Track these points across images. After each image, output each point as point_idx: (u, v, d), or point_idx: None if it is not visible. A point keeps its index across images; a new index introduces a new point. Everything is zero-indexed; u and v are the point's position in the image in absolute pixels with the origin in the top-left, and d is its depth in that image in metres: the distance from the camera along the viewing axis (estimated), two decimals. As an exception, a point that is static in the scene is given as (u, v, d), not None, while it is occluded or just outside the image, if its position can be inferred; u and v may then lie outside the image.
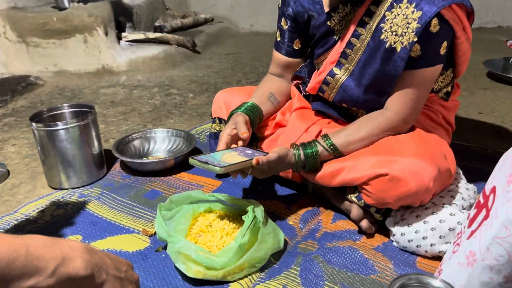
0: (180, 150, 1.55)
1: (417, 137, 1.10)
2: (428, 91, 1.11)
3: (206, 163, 0.99)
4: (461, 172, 1.19)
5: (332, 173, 1.11)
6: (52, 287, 0.53)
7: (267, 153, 1.08)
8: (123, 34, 2.76)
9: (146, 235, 1.15)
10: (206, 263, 0.95)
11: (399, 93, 1.08)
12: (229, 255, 0.95)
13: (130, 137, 1.58)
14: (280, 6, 1.28)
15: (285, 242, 1.09)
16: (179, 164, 1.48)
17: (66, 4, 2.60)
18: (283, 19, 1.28)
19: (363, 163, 1.06)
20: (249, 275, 0.99)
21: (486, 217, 0.81)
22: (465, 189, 1.12)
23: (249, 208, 1.04)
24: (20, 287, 0.50)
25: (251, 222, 1.00)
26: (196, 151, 1.57)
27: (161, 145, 1.60)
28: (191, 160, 1.01)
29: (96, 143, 1.42)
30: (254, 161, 1.03)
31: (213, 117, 1.42)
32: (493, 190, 0.83)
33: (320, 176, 1.13)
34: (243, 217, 1.03)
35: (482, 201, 0.86)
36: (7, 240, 0.51)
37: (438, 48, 1.04)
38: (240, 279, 0.98)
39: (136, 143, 1.58)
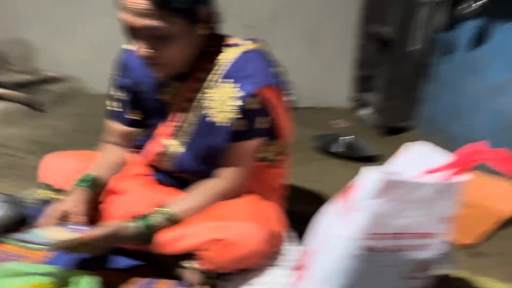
0: (5, 217, 1.41)
1: (249, 202, 1.22)
2: (254, 161, 1.24)
3: (26, 242, 0.94)
4: (293, 235, 1.32)
5: (171, 241, 1.14)
6: None
7: (96, 227, 1.07)
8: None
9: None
10: None
11: (228, 163, 1.20)
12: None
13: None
14: (114, 76, 1.31)
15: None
16: (7, 231, 1.34)
17: None
18: (118, 90, 1.31)
19: (200, 230, 1.12)
20: None
21: (306, 274, 0.92)
22: (290, 250, 1.25)
23: (81, 282, 1.00)
24: None
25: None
26: (23, 219, 1.45)
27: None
28: (8, 241, 0.95)
29: None
30: (81, 238, 1.01)
31: (39, 183, 1.35)
32: (310, 250, 0.96)
33: (159, 245, 1.15)
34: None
35: (302, 260, 0.98)
36: None
37: (256, 123, 1.18)
38: None
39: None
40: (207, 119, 1.16)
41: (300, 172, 2.20)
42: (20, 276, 1.06)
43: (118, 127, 1.32)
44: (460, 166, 0.86)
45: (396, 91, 2.98)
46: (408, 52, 2.81)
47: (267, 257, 1.18)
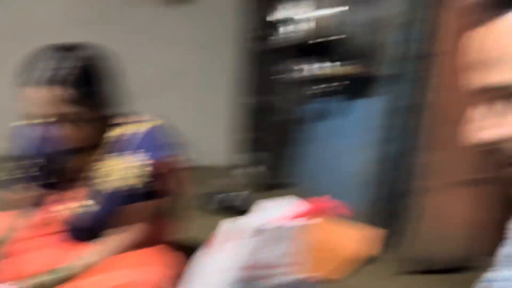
0: None
1: (142, 252, 1.37)
2: (148, 218, 1.41)
3: None
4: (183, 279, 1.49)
5: None
6: None
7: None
8: None
9: None
10: None
11: (126, 221, 1.37)
12: None
13: None
14: (10, 148, 1.40)
15: None
16: None
17: None
18: (16, 158, 1.39)
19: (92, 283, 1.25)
20: None
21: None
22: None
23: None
24: None
25: None
26: None
27: None
28: None
29: None
30: None
31: None
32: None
33: None
34: None
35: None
36: None
37: (150, 187, 1.35)
38: None
39: None
40: (103, 187, 1.32)
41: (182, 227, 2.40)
42: None
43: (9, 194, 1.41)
44: (308, 214, 1.18)
45: (271, 152, 3.40)
46: (280, 120, 3.29)
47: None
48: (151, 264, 1.32)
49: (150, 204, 1.40)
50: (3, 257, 1.34)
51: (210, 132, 3.83)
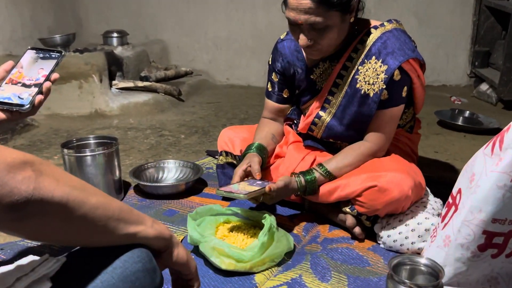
0: (189, 178, 1.76)
1: (394, 158, 1.40)
2: (396, 125, 1.42)
3: (231, 192, 1.23)
4: (429, 190, 1.48)
5: (330, 191, 1.36)
6: (150, 239, 0.70)
7: (272, 182, 1.33)
8: (114, 82, 2.98)
9: (174, 242, 1.34)
10: (236, 256, 1.15)
11: (375, 128, 1.39)
12: (254, 250, 1.17)
13: (143, 166, 1.78)
14: (270, 62, 1.56)
15: (294, 245, 1.31)
16: (189, 189, 1.68)
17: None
18: (273, 73, 1.55)
19: (354, 180, 1.33)
20: (269, 268, 1.20)
21: (455, 211, 1.09)
22: (434, 201, 1.41)
23: (266, 216, 1.27)
24: (132, 230, 0.67)
25: (269, 225, 1.22)
26: (203, 180, 1.79)
27: (170, 174, 1.80)
28: (218, 191, 1.24)
29: (117, 170, 1.61)
30: (267, 188, 1.27)
31: (219, 151, 1.66)
32: (459, 191, 1.11)
33: (319, 196, 1.38)
34: (262, 221, 1.25)
35: (451, 201, 1.14)
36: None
37: (401, 92, 1.35)
38: (263, 270, 1.19)
39: (149, 171, 1.78)
40: (358, 91, 1.36)
41: (427, 144, 2.32)
42: (215, 214, 1.38)
43: (272, 104, 1.58)
44: None
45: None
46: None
47: (412, 204, 1.35)
48: (405, 170, 1.31)
49: (397, 109, 1.37)
50: (269, 161, 1.55)
51: (443, 47, 3.49)
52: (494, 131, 2.50)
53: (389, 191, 1.27)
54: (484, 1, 3.27)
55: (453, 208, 1.11)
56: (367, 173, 1.33)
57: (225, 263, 1.16)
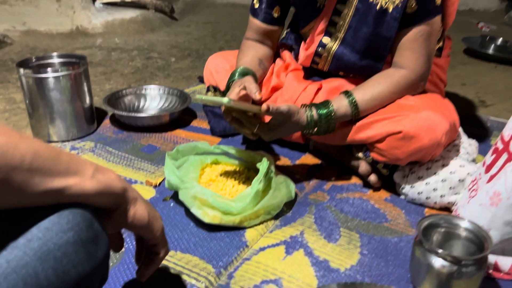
0: (174, 107, 1.49)
1: (424, 96, 1.11)
2: (435, 44, 1.09)
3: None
4: (461, 129, 1.22)
5: (344, 132, 1.09)
6: (89, 195, 0.49)
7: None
8: (98, -5, 2.63)
9: (151, 185, 1.10)
10: (223, 208, 0.92)
11: (408, 51, 1.06)
12: (246, 200, 0.93)
13: (120, 92, 1.51)
14: None
15: (295, 193, 1.07)
16: (174, 121, 1.43)
17: (37, -42, 2.43)
18: None
19: (376, 121, 1.05)
20: (265, 221, 0.98)
21: (509, 159, 0.83)
22: (468, 144, 1.15)
23: (263, 157, 1.02)
24: (57, 185, 0.45)
25: (266, 169, 0.98)
26: (191, 111, 1.52)
27: (153, 102, 1.54)
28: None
29: (87, 96, 1.34)
30: (264, 106, 0.94)
31: (206, 86, 1.36)
32: (506, 139, 0.85)
33: (330, 136, 1.09)
34: (258, 164, 1.01)
35: (501, 146, 0.88)
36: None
37: (432, 2, 1.02)
38: (256, 225, 0.96)
39: (127, 99, 1.51)
40: (373, 6, 1.03)
41: (453, 75, 2.02)
42: (201, 153, 1.13)
43: (259, 24, 1.23)
44: None
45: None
46: None
47: (444, 148, 1.10)
48: (436, 109, 1.03)
49: (432, 23, 1.04)
50: (265, 94, 1.24)
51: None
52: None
53: (416, 138, 0.98)
54: None
55: (504, 156, 0.85)
56: (390, 113, 1.04)
57: (208, 216, 0.93)
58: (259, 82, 1.23)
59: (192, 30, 2.76)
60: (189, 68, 2.08)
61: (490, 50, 2.27)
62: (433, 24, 1.05)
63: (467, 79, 1.99)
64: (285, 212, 1.02)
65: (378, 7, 1.03)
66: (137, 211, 0.58)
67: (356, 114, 1.05)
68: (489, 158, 0.91)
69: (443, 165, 1.05)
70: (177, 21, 2.87)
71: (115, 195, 0.53)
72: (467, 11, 3.17)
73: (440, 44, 1.21)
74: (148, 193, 1.07)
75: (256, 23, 1.24)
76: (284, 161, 1.24)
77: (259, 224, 0.97)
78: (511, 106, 1.72)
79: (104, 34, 2.50)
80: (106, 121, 1.46)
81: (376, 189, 1.13)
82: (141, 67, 2.08)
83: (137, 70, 2.03)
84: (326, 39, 1.13)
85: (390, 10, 1.02)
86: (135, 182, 1.12)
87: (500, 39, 2.34)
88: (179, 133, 1.39)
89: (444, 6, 1.10)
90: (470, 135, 1.22)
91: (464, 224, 0.80)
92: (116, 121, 1.44)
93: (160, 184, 1.10)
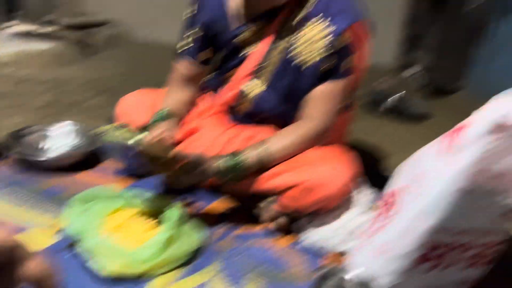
0: (84, 147, 1.45)
1: (326, 148, 1.18)
2: (344, 99, 1.18)
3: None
4: (362, 180, 1.32)
5: (252, 181, 1.13)
6: None
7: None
8: (7, 24, 2.51)
9: (52, 231, 1.05)
10: (126, 259, 0.91)
11: (318, 104, 1.14)
12: (153, 249, 0.93)
13: (26, 130, 1.44)
14: (188, 15, 1.25)
15: (205, 240, 1.09)
16: (84, 161, 1.39)
17: None
18: (194, 27, 1.24)
19: (281, 172, 1.11)
20: (173, 269, 0.97)
21: (395, 213, 0.92)
22: (364, 194, 1.26)
23: (174, 204, 1.03)
24: None
25: (176, 217, 0.99)
26: (101, 151, 1.49)
27: (61, 141, 1.48)
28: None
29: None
30: (171, 154, 0.97)
31: (119, 123, 1.33)
32: (399, 190, 0.95)
33: (239, 184, 1.13)
34: (167, 212, 1.01)
35: (387, 201, 0.97)
36: None
37: (348, 61, 1.12)
38: (163, 273, 0.96)
39: (33, 137, 1.44)
40: (293, 60, 1.13)
41: (355, 127, 2.19)
42: (103, 200, 1.10)
43: (185, 67, 1.27)
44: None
45: (448, 51, 2.88)
46: (465, 12, 2.70)
47: (343, 199, 1.18)
48: (337, 162, 1.12)
49: (343, 82, 1.14)
50: (181, 136, 1.27)
51: (374, 27, 3.39)
52: (422, 117, 2.47)
53: (315, 190, 1.06)
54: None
55: (392, 207, 0.95)
56: (293, 164, 1.11)
57: (108, 268, 0.91)
58: (181, 124, 1.26)
59: (110, 66, 2.72)
60: (103, 105, 2.03)
61: (386, 105, 2.51)
62: (344, 83, 1.15)
63: (366, 131, 2.17)
64: (195, 259, 1.03)
65: (297, 62, 1.11)
66: (28, 270, 0.56)
67: (267, 164, 1.11)
68: (379, 209, 1.00)
69: (339, 215, 1.14)
70: (95, 55, 2.82)
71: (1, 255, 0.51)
72: (369, 67, 3.47)
73: (349, 100, 1.32)
74: (48, 239, 1.03)
75: (182, 66, 1.27)
76: (196, 205, 1.25)
77: (166, 272, 0.96)
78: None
79: (12, 64, 2.38)
80: (9, 159, 1.38)
81: (281, 235, 1.18)
82: (52, 101, 2.00)
83: (47, 105, 1.94)
84: (248, 84, 1.19)
85: (308, 65, 1.11)
86: (36, 225, 1.06)
87: (396, 95, 2.59)
88: (88, 174, 1.35)
89: (356, 69, 1.20)
90: (372, 184, 1.33)
91: (354, 275, 0.87)
92: (20, 160, 1.36)
93: (62, 230, 1.06)
